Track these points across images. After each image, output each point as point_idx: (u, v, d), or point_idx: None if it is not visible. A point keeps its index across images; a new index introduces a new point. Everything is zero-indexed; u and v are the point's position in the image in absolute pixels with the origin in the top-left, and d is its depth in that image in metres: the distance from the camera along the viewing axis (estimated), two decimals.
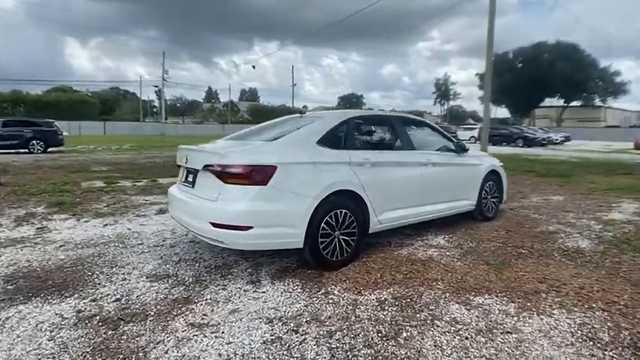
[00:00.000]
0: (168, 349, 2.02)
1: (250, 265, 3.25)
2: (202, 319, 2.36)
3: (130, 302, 2.57)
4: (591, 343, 2.11)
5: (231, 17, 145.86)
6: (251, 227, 2.69)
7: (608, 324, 2.30)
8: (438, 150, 4.20)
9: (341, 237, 3.12)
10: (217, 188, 2.82)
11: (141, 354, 1.98)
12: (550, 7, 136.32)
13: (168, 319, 2.35)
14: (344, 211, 3.11)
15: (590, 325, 2.29)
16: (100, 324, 2.28)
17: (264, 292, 2.75)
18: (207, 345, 2.07)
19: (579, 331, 2.22)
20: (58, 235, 4.13)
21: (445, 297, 2.68)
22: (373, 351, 2.03)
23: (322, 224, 2.97)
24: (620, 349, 2.04)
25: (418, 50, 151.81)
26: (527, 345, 2.09)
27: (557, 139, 29.47)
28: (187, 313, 2.43)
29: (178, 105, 69.51)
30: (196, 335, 2.17)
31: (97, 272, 3.08)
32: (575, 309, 2.49)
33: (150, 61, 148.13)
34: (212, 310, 2.46)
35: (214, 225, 2.75)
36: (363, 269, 3.17)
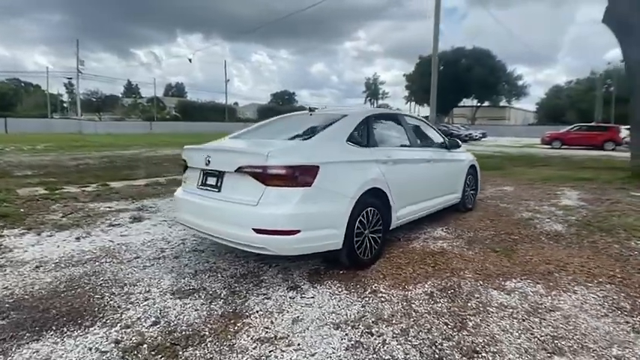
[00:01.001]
0: None
1: (278, 271, 3.11)
2: (266, 332, 2.20)
3: (173, 324, 2.29)
4: (619, 312, 2.45)
5: (149, 5, 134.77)
6: (298, 231, 2.57)
7: (622, 294, 2.69)
8: (435, 147, 4.44)
9: (370, 235, 3.14)
10: (257, 191, 2.63)
11: None
12: (462, 14, 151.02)
13: (229, 337, 2.15)
14: (373, 209, 3.13)
15: (610, 297, 2.65)
16: (155, 353, 2.00)
17: (312, 297, 2.66)
18: (300, 358, 1.95)
19: (605, 303, 2.56)
20: (25, 253, 3.48)
21: (480, 284, 2.86)
22: (454, 342, 2.11)
23: (357, 223, 2.96)
24: None
25: (345, 50, 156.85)
26: (573, 320, 2.35)
27: (476, 136, 32.86)
28: (246, 328, 2.25)
29: (94, 100, 62.35)
30: (273, 351, 2.02)
31: (108, 294, 2.68)
32: (590, 284, 2.86)
33: (54, 50, 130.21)
34: (272, 322, 2.31)
35: (258, 231, 2.56)
36: (392, 265, 3.23)
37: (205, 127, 55.84)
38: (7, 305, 2.50)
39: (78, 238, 3.96)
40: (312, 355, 1.99)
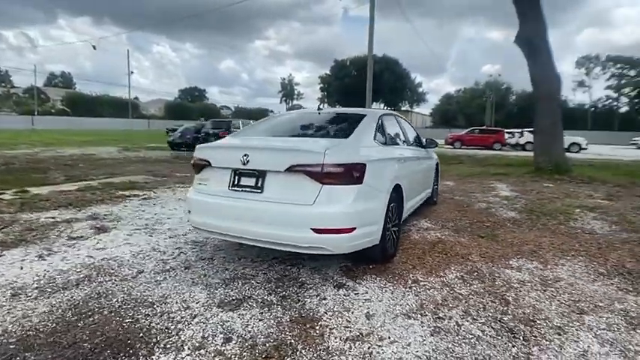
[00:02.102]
0: None
1: (311, 272, 3.05)
2: (350, 331, 2.19)
3: (249, 338, 2.10)
4: (602, 277, 3.05)
5: None
6: (354, 228, 2.58)
7: (594, 263, 3.34)
8: (418, 145, 4.81)
9: (392, 229, 3.29)
10: (312, 190, 2.56)
11: None
12: (366, 23, 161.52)
13: (318, 341, 2.08)
14: (394, 204, 3.29)
15: (588, 266, 3.28)
16: None
17: (365, 292, 2.70)
18: (393, 353, 1.99)
19: (589, 271, 3.16)
20: None
21: (492, 266, 3.25)
22: (511, 316, 2.39)
23: (386, 218, 3.08)
24: (621, 274, 3.04)
25: (256, 48, 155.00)
26: (576, 286, 2.86)
27: None
28: (327, 330, 2.19)
29: None
30: (372, 347, 2.03)
31: (140, 316, 2.31)
32: (568, 258, 3.48)
33: None
34: (348, 321, 2.30)
35: (317, 231, 2.50)
36: (410, 256, 3.44)
37: (104, 124, 49.34)
38: (12, 347, 1.98)
39: (41, 257, 3.26)
40: (408, 344, 2.06)
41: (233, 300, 2.54)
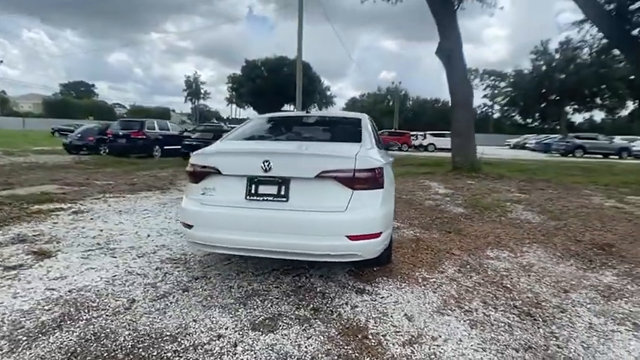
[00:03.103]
0: None
1: (322, 281, 2.97)
2: (401, 335, 2.21)
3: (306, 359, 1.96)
4: (562, 259, 3.63)
5: None
6: (381, 232, 2.59)
7: (550, 249, 3.95)
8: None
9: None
10: (344, 196, 2.49)
11: None
12: (272, 25, 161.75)
13: (380, 350, 2.05)
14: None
15: (548, 251, 3.86)
16: None
17: (389, 295, 2.74)
18: (454, 350, 2.07)
19: (551, 256, 3.72)
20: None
21: (475, 258, 3.61)
22: (520, 301, 2.69)
23: None
24: (572, 257, 3.66)
25: (153, 41, 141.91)
26: (550, 269, 3.35)
27: None
28: (381, 337, 2.17)
29: None
30: (431, 347, 2.08)
31: (171, 355, 1.97)
32: (528, 245, 4.05)
33: None
34: (393, 325, 2.31)
35: (352, 238, 2.43)
36: (404, 255, 3.60)
37: None
38: None
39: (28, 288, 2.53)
40: (460, 340, 2.17)
41: (265, 320, 2.33)
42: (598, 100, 46.34)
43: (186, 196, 2.86)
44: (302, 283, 2.92)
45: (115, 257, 3.37)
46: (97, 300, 2.53)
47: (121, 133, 14.12)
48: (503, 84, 52.37)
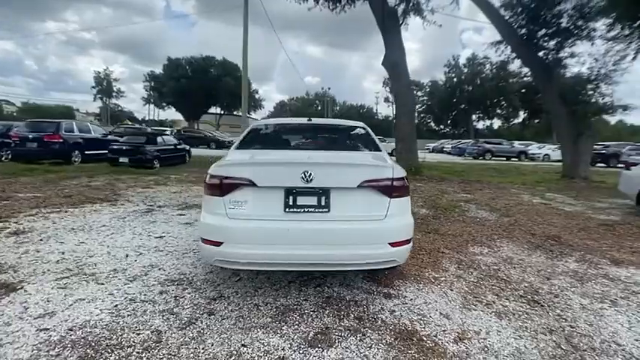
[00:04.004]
0: None
1: (344, 288, 2.97)
2: (448, 334, 2.34)
3: None
4: (531, 251, 4.16)
5: None
6: (412, 238, 2.70)
7: (517, 243, 4.49)
8: None
9: None
10: (382, 205, 2.54)
11: None
12: (192, 22, 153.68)
13: (439, 352, 2.14)
14: None
15: (517, 245, 4.38)
16: None
17: (415, 297, 2.86)
18: (500, 342, 2.27)
19: (521, 249, 4.23)
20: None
21: (464, 255, 3.94)
22: (522, 291, 3.03)
23: None
24: (536, 248, 4.22)
25: (49, 30, 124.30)
26: (527, 260, 3.82)
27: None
28: (432, 339, 2.27)
29: None
30: (482, 342, 2.25)
31: None
32: (499, 240, 4.54)
33: None
34: (438, 326, 2.43)
35: (393, 244, 2.50)
36: None
37: None
38: None
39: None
40: (499, 332, 2.38)
41: (317, 335, 2.27)
42: (498, 110, 53.60)
43: (206, 211, 2.62)
44: (328, 293, 2.88)
45: (102, 284, 2.93)
46: (114, 336, 2.19)
47: (30, 137, 12.07)
48: (420, 93, 57.35)
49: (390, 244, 2.51)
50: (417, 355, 2.09)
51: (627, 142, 25.81)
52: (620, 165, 20.64)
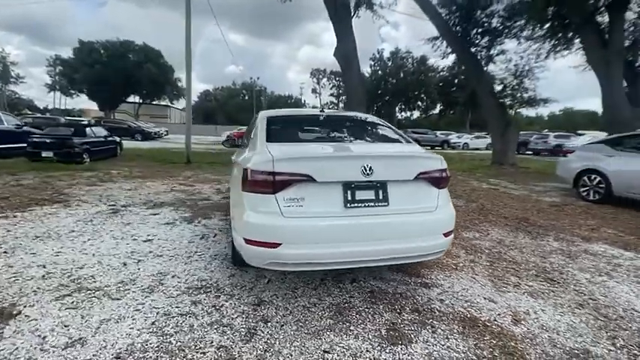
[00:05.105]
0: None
1: (379, 282, 2.97)
2: (506, 317, 2.48)
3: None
4: (513, 232, 4.58)
5: None
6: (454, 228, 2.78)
7: (496, 226, 4.91)
8: None
9: None
10: (433, 196, 2.58)
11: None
12: (100, 1, 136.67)
13: (508, 335, 2.26)
14: None
15: (498, 228, 4.79)
16: None
17: (451, 284, 2.97)
18: (552, 317, 2.47)
19: (498, 231, 4.64)
20: None
21: (463, 241, 4.18)
22: (534, 271, 3.34)
23: None
24: (517, 230, 4.67)
25: None
26: (518, 242, 4.20)
27: (164, 133, 32.95)
28: (494, 324, 2.39)
29: None
30: (541, 320, 2.42)
31: None
32: (481, 225, 4.91)
33: None
34: (491, 310, 2.56)
35: (445, 234, 2.57)
36: None
37: None
38: None
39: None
40: (542, 309, 2.60)
41: (389, 332, 2.23)
42: (418, 102, 57.66)
43: (251, 209, 2.36)
44: (368, 287, 2.85)
45: (118, 299, 2.51)
46: (177, 359, 1.89)
47: None
48: None
49: (443, 234, 2.57)
50: (494, 341, 2.18)
51: (528, 131, 29.69)
52: (527, 152, 23.92)
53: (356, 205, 2.38)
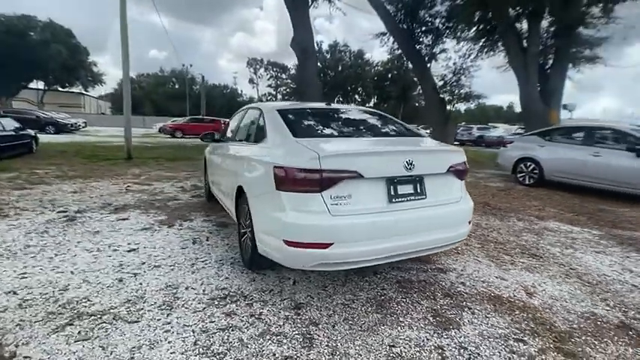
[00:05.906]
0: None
1: (397, 271, 3.06)
2: (542, 297, 2.72)
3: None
4: (490, 215, 5.02)
5: None
6: None
7: (485, 214, 5.32)
8: None
9: None
10: (457, 188, 2.72)
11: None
12: None
13: (535, 308, 2.49)
14: None
15: (488, 216, 5.19)
16: None
17: (464, 268, 3.17)
18: (569, 292, 2.78)
19: (485, 215, 5.06)
20: None
21: None
22: (525, 247, 3.72)
23: None
24: (492, 214, 5.13)
25: None
26: (490, 223, 4.63)
27: (82, 125, 29.25)
28: (518, 300, 2.62)
29: None
30: (558, 298, 2.71)
31: None
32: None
33: None
34: (507, 287, 2.79)
35: (470, 223, 2.76)
36: None
37: None
38: None
39: None
40: (544, 279, 2.91)
41: (436, 319, 2.32)
42: (356, 96, 59.50)
43: (293, 209, 2.24)
44: (393, 278, 2.91)
45: (136, 321, 2.20)
46: None
47: None
48: (284, 76, 58.52)
49: (468, 222, 2.74)
50: (524, 314, 2.40)
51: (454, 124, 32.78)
52: (455, 143, 26.27)
53: (399, 199, 2.41)
